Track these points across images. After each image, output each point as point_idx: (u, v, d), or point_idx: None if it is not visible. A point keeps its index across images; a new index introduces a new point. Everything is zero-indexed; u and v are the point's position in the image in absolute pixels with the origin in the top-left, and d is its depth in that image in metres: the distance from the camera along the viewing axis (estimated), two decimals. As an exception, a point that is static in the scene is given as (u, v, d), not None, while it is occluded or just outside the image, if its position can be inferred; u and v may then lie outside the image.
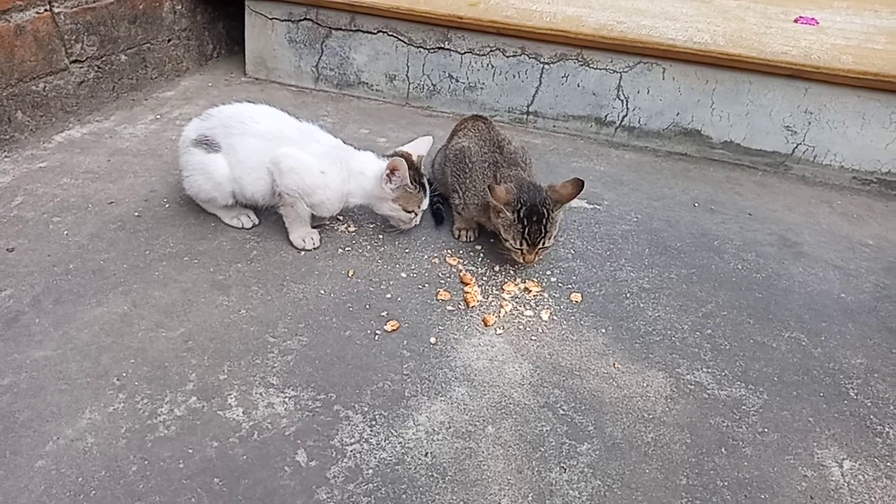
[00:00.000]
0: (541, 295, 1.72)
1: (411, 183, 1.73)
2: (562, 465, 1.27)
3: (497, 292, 1.72)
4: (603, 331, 1.62)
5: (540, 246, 1.67)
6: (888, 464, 1.33)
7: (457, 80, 2.73)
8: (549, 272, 1.81)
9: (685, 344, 1.59)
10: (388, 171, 1.71)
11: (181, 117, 2.48)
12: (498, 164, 1.81)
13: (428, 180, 1.85)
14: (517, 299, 1.70)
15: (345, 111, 2.74)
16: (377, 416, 1.33)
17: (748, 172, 2.50)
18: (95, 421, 1.27)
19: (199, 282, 1.65)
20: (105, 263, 1.68)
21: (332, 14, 2.73)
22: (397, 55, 2.75)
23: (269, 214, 1.87)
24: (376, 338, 1.53)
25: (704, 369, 1.52)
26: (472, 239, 1.91)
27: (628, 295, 1.75)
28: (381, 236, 1.90)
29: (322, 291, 1.66)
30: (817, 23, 2.76)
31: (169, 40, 2.77)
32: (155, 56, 2.72)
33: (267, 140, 1.70)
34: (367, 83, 2.86)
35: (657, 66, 2.48)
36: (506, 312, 1.65)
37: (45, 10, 2.17)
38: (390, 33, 2.70)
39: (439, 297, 1.67)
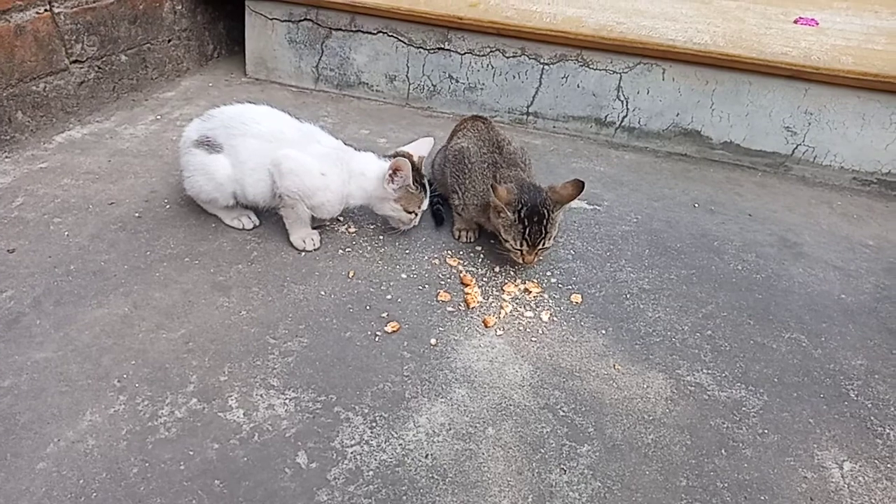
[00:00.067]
0: (541, 296, 1.72)
1: (413, 183, 1.73)
2: (562, 466, 1.27)
3: (497, 293, 1.72)
4: (603, 332, 1.62)
5: (540, 247, 1.68)
6: (888, 465, 1.33)
7: (457, 81, 2.73)
8: (549, 273, 1.81)
9: (685, 345, 1.60)
10: (391, 172, 1.71)
11: (182, 118, 2.48)
12: (497, 165, 1.81)
13: (428, 181, 1.85)
14: (517, 300, 1.70)
15: (345, 112, 2.74)
16: (377, 418, 1.33)
17: (748, 173, 2.50)
18: (96, 423, 1.27)
19: (200, 283, 1.65)
20: (106, 264, 1.68)
21: (332, 14, 2.73)
22: (397, 56, 2.75)
23: (270, 215, 1.87)
24: (377, 339, 1.54)
25: (705, 370, 1.52)
26: (472, 240, 1.91)
27: (628, 296, 1.75)
28: (381, 237, 1.90)
29: (322, 292, 1.66)
30: (817, 23, 2.76)
31: (169, 40, 2.77)
32: (155, 56, 2.72)
33: (268, 141, 1.70)
34: (367, 84, 2.86)
35: (657, 67, 2.48)
36: (506, 313, 1.65)
37: (45, 11, 2.17)
38: (390, 34, 2.70)
39: (439, 299, 1.67)
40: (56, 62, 2.26)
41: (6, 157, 2.11)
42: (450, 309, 1.65)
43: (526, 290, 1.73)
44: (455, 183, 1.87)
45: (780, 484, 1.27)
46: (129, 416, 1.29)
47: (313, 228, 1.83)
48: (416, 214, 1.81)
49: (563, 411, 1.39)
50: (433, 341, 1.54)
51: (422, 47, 2.70)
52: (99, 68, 2.44)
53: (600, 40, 2.46)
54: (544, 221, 1.65)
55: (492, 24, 2.54)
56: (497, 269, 1.81)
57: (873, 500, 1.25)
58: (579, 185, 1.70)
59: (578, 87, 2.60)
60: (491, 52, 2.63)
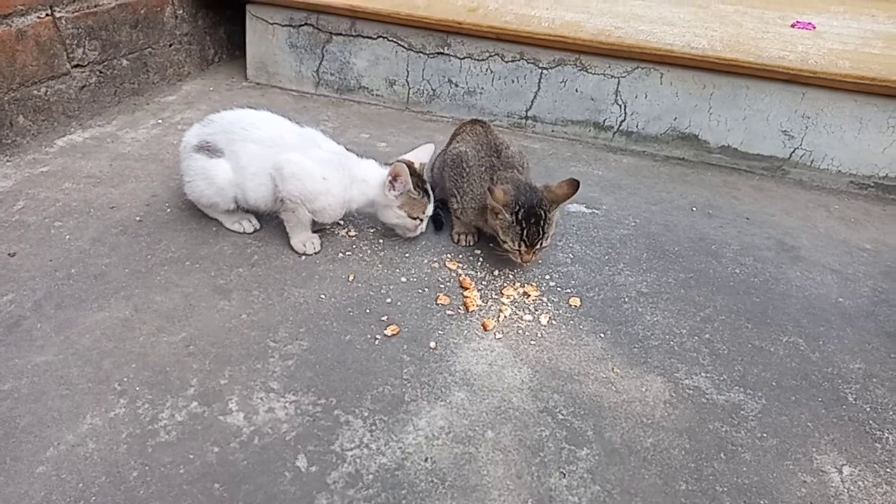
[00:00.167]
0: (540, 299, 1.73)
1: (414, 189, 1.74)
2: (561, 470, 1.27)
3: (496, 297, 1.72)
4: (602, 335, 1.62)
5: (538, 247, 1.68)
6: (888, 469, 1.33)
7: (456, 85, 2.74)
8: (547, 276, 1.81)
9: (683, 348, 1.60)
10: (390, 178, 1.72)
11: (183, 122, 2.49)
12: (495, 168, 1.82)
13: (430, 186, 1.86)
14: (516, 304, 1.71)
15: (345, 116, 2.75)
16: (377, 421, 1.34)
17: (745, 177, 2.51)
18: (96, 426, 1.27)
19: (201, 286, 1.66)
20: (106, 268, 1.69)
21: (332, 19, 2.75)
22: (397, 60, 2.76)
23: (271, 219, 1.87)
24: (376, 342, 1.54)
25: (703, 374, 1.53)
26: (471, 243, 1.92)
27: (627, 299, 1.76)
28: (381, 241, 1.90)
29: (323, 296, 1.67)
30: (814, 27, 2.77)
31: (170, 45, 2.78)
32: (156, 61, 2.73)
33: (269, 146, 1.71)
34: (367, 88, 2.87)
35: (655, 72, 2.49)
36: (505, 317, 1.65)
37: (47, 15, 2.18)
38: (390, 38, 2.72)
39: (439, 302, 1.68)
40: (57, 66, 2.26)
41: (7, 160, 2.11)
42: (449, 312, 1.65)
43: (525, 293, 1.74)
44: (453, 187, 1.88)
45: (779, 488, 1.27)
46: (129, 419, 1.29)
47: (313, 232, 1.83)
48: (421, 221, 1.82)
49: (562, 415, 1.39)
50: (432, 345, 1.55)
51: (421, 52, 2.71)
52: (100, 72, 2.45)
53: (598, 45, 2.47)
54: (541, 222, 1.66)
55: (491, 29, 2.55)
56: (496, 272, 1.81)
57: (871, 504, 1.26)
58: (575, 185, 1.71)
59: (577, 91, 2.61)
60: (490, 56, 2.64)
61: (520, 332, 1.61)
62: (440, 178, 2.00)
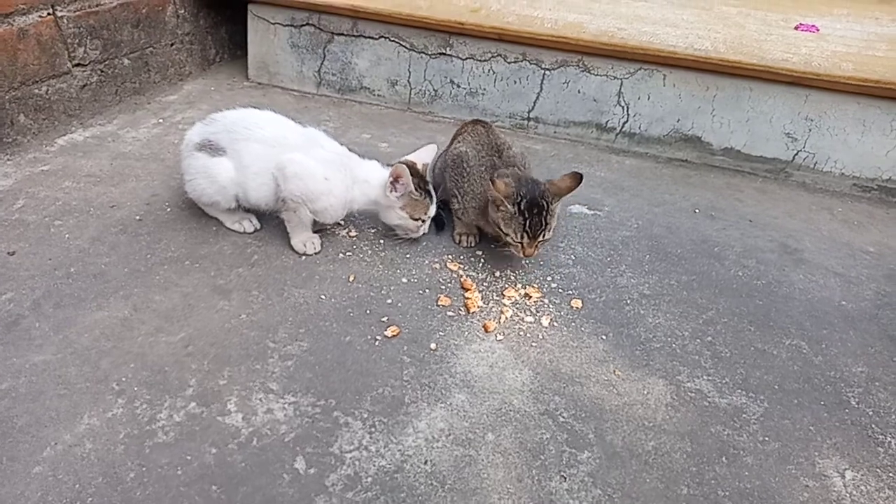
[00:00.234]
0: (541, 301, 1.72)
1: (416, 190, 1.73)
2: (562, 473, 1.26)
3: (497, 298, 1.71)
4: (603, 337, 1.61)
5: (540, 239, 1.67)
6: (890, 474, 1.32)
7: (458, 86, 2.74)
8: (549, 278, 1.81)
9: (686, 351, 1.59)
10: (391, 179, 1.71)
11: (184, 121, 2.49)
12: (496, 168, 1.81)
13: (433, 187, 1.85)
14: (518, 305, 1.70)
15: (347, 116, 2.75)
16: (377, 423, 1.33)
17: (748, 179, 2.50)
18: (94, 426, 1.26)
19: (200, 286, 1.65)
20: (106, 267, 1.68)
21: (334, 19, 2.74)
22: (399, 60, 2.75)
23: (271, 219, 1.87)
24: (376, 343, 1.53)
25: (705, 377, 1.52)
26: (472, 244, 1.91)
27: (629, 301, 1.75)
28: (381, 241, 1.89)
29: (323, 296, 1.66)
30: (818, 30, 2.77)
31: (172, 44, 2.78)
32: (158, 60, 2.72)
33: (272, 146, 1.71)
34: (368, 88, 2.87)
35: (658, 73, 2.48)
36: (506, 318, 1.64)
37: (49, 14, 2.18)
38: (392, 39, 2.71)
39: (440, 303, 1.67)
40: (59, 65, 2.26)
41: (8, 159, 2.11)
42: (450, 313, 1.65)
43: (526, 294, 1.73)
44: (454, 187, 1.87)
45: (781, 492, 1.26)
46: (127, 419, 1.28)
47: (314, 232, 1.83)
48: (423, 222, 1.81)
49: (563, 417, 1.38)
50: (433, 346, 1.54)
51: (423, 52, 2.70)
52: (101, 72, 2.45)
53: (601, 46, 2.46)
54: (544, 213, 1.65)
55: (493, 30, 2.54)
56: (497, 273, 1.80)
57: (875, 509, 1.25)
58: (577, 178, 1.70)
59: (579, 92, 2.60)
60: (492, 57, 2.63)
61: (521, 333, 1.60)
62: (441, 179, 1.99)
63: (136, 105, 2.60)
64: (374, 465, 1.24)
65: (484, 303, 1.69)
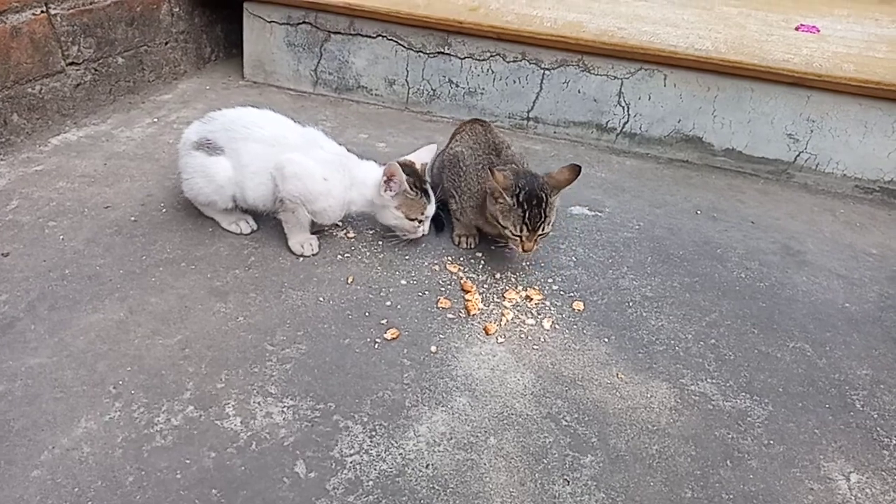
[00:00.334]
0: (542, 303, 1.70)
1: (411, 189, 1.71)
2: (565, 477, 1.25)
3: (498, 300, 1.70)
4: (606, 340, 1.60)
5: (540, 232, 1.65)
6: None
7: (457, 85, 2.72)
8: (550, 280, 1.79)
9: (689, 354, 1.58)
10: (385, 178, 1.69)
11: (178, 121, 2.46)
12: (494, 166, 1.79)
13: (432, 187, 1.83)
14: (518, 307, 1.68)
15: (344, 115, 2.73)
16: (377, 427, 1.31)
17: (750, 180, 2.49)
18: (91, 430, 1.24)
19: (197, 288, 1.63)
20: (101, 269, 1.66)
21: (330, 18, 2.72)
22: (397, 59, 2.74)
23: (268, 220, 1.85)
24: (376, 346, 1.51)
25: (709, 380, 1.50)
26: (472, 246, 1.89)
27: (631, 304, 1.73)
28: (380, 243, 1.88)
29: (321, 298, 1.64)
30: (818, 31, 2.76)
31: (166, 43, 2.75)
32: (152, 59, 2.70)
33: (270, 145, 1.69)
34: (366, 87, 2.85)
35: (658, 73, 2.47)
36: (507, 321, 1.63)
37: (42, 12, 2.15)
38: (390, 37, 2.69)
39: (440, 305, 1.65)
40: (52, 64, 2.23)
41: (1, 159, 2.08)
42: (450, 316, 1.63)
43: (527, 297, 1.71)
44: (452, 187, 1.86)
45: (786, 496, 1.25)
46: (124, 423, 1.26)
47: (312, 234, 1.81)
48: (420, 222, 1.78)
49: (566, 421, 1.36)
50: (433, 349, 1.52)
51: (421, 51, 2.68)
52: (95, 70, 2.42)
53: (601, 46, 2.45)
54: (543, 205, 1.63)
55: (492, 29, 2.53)
56: (498, 275, 1.79)
57: (881, 513, 1.24)
58: (576, 170, 1.68)
59: (579, 92, 2.58)
60: (491, 56, 2.61)
61: (522, 336, 1.59)
62: (439, 179, 1.97)
63: (130, 104, 2.58)
64: (376, 469, 1.22)
65: (484, 305, 1.67)
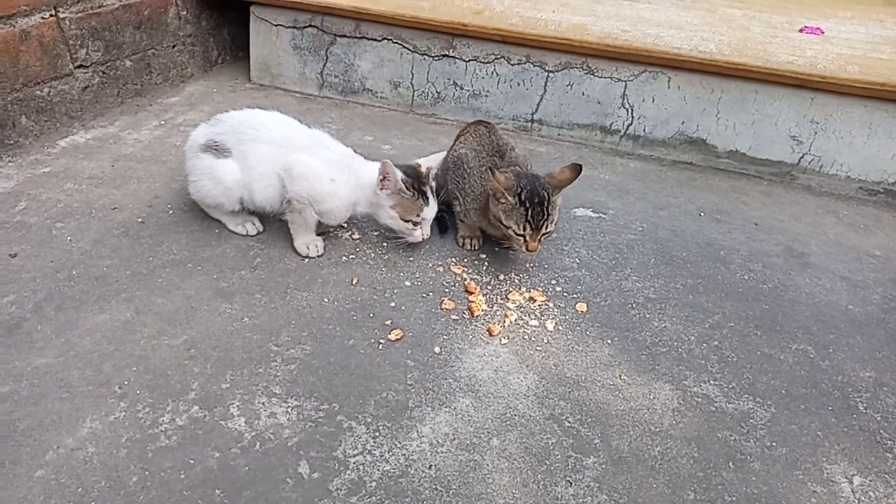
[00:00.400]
0: (546, 304, 1.71)
1: (407, 189, 1.71)
2: (567, 478, 1.25)
3: (502, 301, 1.70)
4: (609, 341, 1.60)
5: (543, 230, 1.65)
6: (899, 479, 1.31)
7: (461, 88, 2.73)
8: (554, 281, 1.79)
9: (692, 355, 1.58)
10: (381, 177, 1.69)
11: (186, 123, 2.48)
12: (497, 167, 1.79)
13: (434, 190, 1.83)
14: (522, 309, 1.69)
15: (349, 118, 2.74)
16: (381, 427, 1.32)
17: (754, 182, 2.49)
18: (96, 430, 1.25)
19: (203, 289, 1.64)
20: (108, 270, 1.67)
21: (336, 21, 2.73)
22: (402, 62, 2.75)
23: (273, 221, 1.86)
24: (380, 347, 1.52)
25: (711, 381, 1.51)
26: (476, 247, 1.90)
27: (634, 305, 1.73)
28: (385, 244, 1.88)
29: (326, 299, 1.65)
30: (822, 32, 2.76)
31: (174, 46, 2.77)
32: (160, 62, 2.72)
33: (278, 147, 1.70)
34: (371, 90, 2.86)
35: (662, 75, 2.47)
36: (511, 322, 1.63)
37: (51, 16, 2.17)
38: (395, 40, 2.70)
39: (444, 306, 1.66)
40: (60, 67, 2.25)
41: (10, 161, 2.10)
42: (454, 317, 1.63)
43: (531, 298, 1.72)
44: (455, 189, 1.87)
45: (788, 498, 1.25)
46: (129, 423, 1.27)
47: (317, 235, 1.81)
48: (415, 224, 1.76)
49: (569, 422, 1.37)
50: (437, 350, 1.53)
51: (426, 54, 2.70)
52: (103, 73, 2.44)
53: (605, 48, 2.46)
54: (545, 203, 1.63)
55: (496, 32, 2.54)
56: (502, 277, 1.79)
57: (884, 516, 1.24)
58: (577, 169, 1.69)
59: (583, 94, 2.59)
60: (496, 59, 2.62)
61: (526, 337, 1.59)
62: (444, 181, 1.98)
63: (137, 107, 2.59)
64: (379, 470, 1.23)
65: (488, 306, 1.68)
